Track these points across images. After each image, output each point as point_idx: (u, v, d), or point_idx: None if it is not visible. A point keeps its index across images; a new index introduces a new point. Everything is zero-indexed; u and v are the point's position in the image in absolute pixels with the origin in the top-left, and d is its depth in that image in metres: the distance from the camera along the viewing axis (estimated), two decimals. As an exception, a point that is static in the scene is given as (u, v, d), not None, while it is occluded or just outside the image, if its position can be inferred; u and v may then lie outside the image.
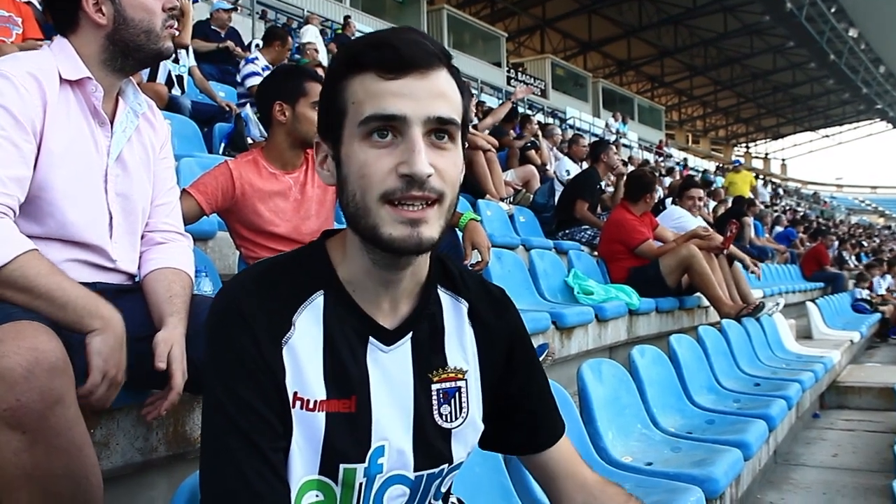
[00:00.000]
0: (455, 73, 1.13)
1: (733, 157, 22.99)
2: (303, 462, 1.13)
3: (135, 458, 1.97)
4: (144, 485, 2.11)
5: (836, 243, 17.33)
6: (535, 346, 3.46)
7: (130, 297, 1.93)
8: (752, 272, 7.01)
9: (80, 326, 1.63)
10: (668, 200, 8.53)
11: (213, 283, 2.91)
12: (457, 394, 1.26)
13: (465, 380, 1.27)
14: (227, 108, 6.45)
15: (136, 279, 2.03)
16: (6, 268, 1.58)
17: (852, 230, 32.60)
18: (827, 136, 65.22)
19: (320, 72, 6.39)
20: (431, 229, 1.08)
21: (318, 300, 1.17)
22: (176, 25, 1.99)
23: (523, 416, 1.35)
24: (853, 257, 18.32)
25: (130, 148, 1.97)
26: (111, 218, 1.91)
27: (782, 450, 4.71)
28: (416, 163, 1.04)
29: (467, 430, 1.28)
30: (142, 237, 2.04)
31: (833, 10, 36.98)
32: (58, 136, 1.77)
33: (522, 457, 1.40)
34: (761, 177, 36.98)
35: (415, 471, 1.22)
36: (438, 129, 1.08)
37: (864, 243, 26.29)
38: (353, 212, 1.09)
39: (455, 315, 1.28)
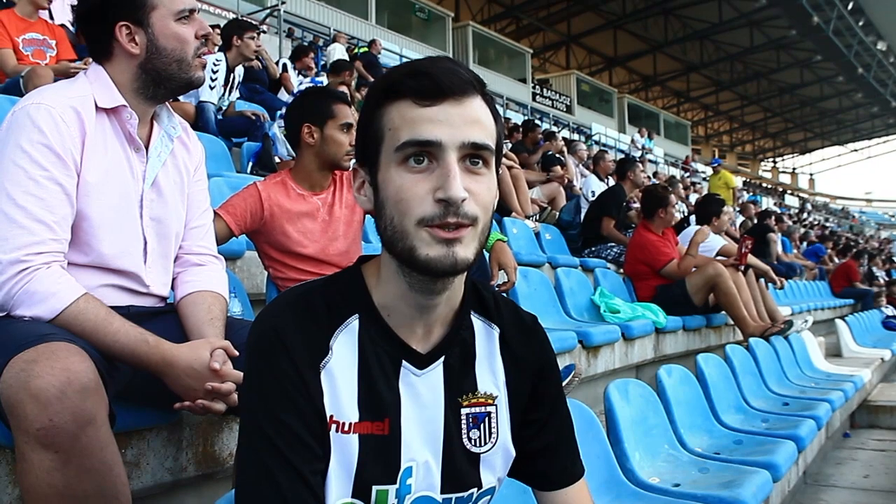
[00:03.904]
0: (489, 100, 1.16)
1: (711, 162, 21.92)
2: (337, 484, 1.15)
3: (164, 477, 2.00)
4: (174, 504, 2.13)
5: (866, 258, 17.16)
6: (563, 366, 3.46)
7: (163, 318, 1.96)
8: (778, 287, 6.88)
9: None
10: (693, 218, 8.46)
11: (242, 303, 2.94)
12: (486, 419, 1.27)
13: (496, 405, 1.28)
14: (255, 117, 6.49)
15: (168, 301, 2.06)
16: (57, 319, 1.66)
17: (882, 245, 32.17)
18: (855, 150, 64.44)
19: (344, 89, 6.48)
20: (466, 250, 1.10)
21: (353, 324, 1.18)
22: (215, 55, 2.03)
23: (541, 448, 1.35)
24: (883, 273, 18.08)
25: (165, 172, 2.00)
26: (146, 243, 1.94)
27: (812, 470, 4.65)
28: (452, 187, 1.06)
29: (496, 456, 1.28)
30: (176, 259, 2.07)
31: (861, 23, 36.70)
32: (95, 166, 1.81)
33: (536, 492, 1.39)
34: (747, 179, 36.42)
35: (442, 493, 1.23)
36: (473, 154, 1.10)
37: (895, 259, 25.93)
38: (391, 235, 1.11)
39: (487, 341, 1.29)
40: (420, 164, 1.08)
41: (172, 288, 2.07)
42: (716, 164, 19.33)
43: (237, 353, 1.79)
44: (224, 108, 6.49)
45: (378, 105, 1.13)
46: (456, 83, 1.09)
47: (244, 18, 9.53)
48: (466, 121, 1.09)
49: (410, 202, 1.08)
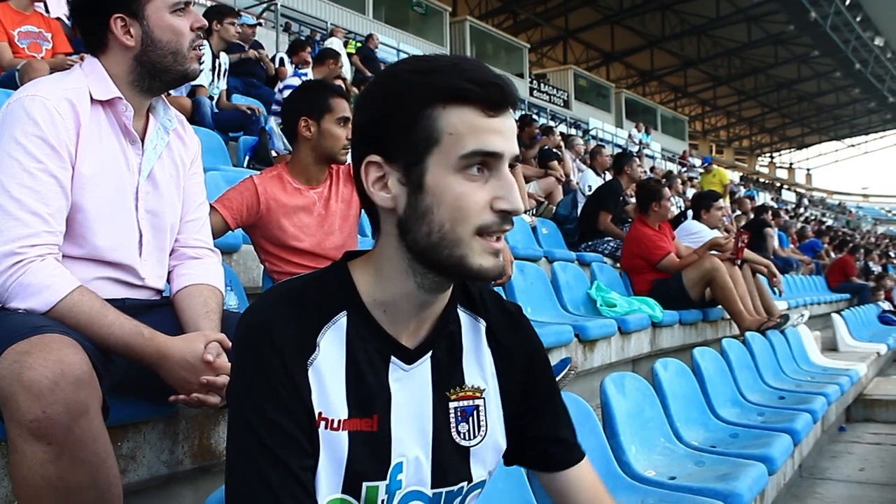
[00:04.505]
0: None
1: (703, 162, 21.05)
2: (327, 481, 1.15)
3: (160, 470, 1.99)
4: (170, 497, 2.13)
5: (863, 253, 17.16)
6: (559, 359, 3.46)
7: (159, 311, 1.96)
8: (774, 285, 6.88)
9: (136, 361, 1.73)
10: (690, 213, 8.46)
11: (239, 297, 2.94)
12: (475, 412, 1.27)
13: (484, 398, 1.28)
14: (250, 111, 6.49)
15: (164, 294, 2.06)
16: (51, 311, 1.66)
17: (879, 240, 32.20)
18: (853, 145, 64.57)
19: (339, 83, 6.48)
20: (503, 257, 1.14)
21: (341, 321, 1.18)
22: (203, 46, 2.02)
23: (542, 432, 1.36)
24: (880, 268, 18.09)
25: (161, 164, 1.99)
26: (141, 236, 1.94)
27: (807, 464, 4.66)
28: (516, 200, 1.09)
29: (486, 450, 1.29)
30: (172, 252, 2.07)
31: (858, 18, 36.71)
32: (90, 158, 1.81)
33: (541, 476, 1.41)
34: (744, 174, 36.20)
35: (432, 487, 1.23)
36: (511, 164, 1.12)
37: (892, 254, 25.96)
38: (437, 241, 1.10)
39: (473, 334, 1.30)
40: (478, 173, 1.09)
41: (168, 281, 2.07)
42: (707, 164, 18.87)
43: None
44: (216, 97, 6.48)
45: (431, 105, 1.09)
46: (514, 95, 1.11)
47: (223, 4, 9.48)
48: (513, 132, 1.13)
49: (469, 210, 1.08)
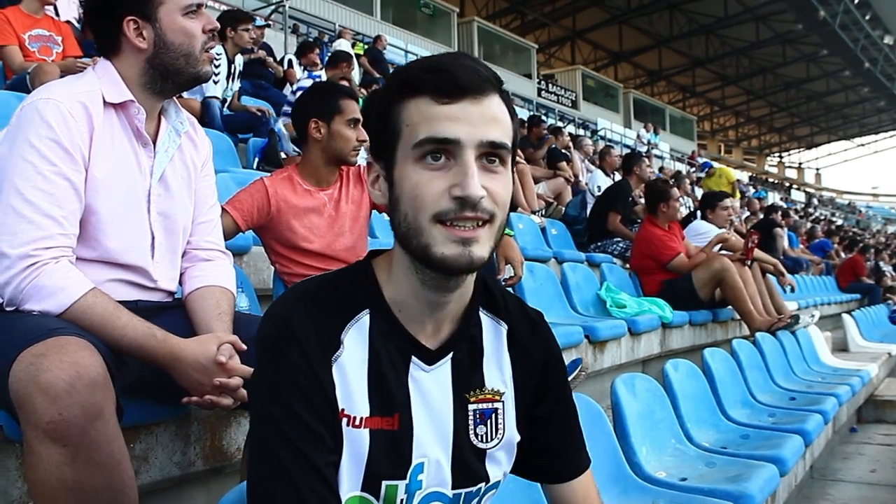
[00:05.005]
0: (506, 98, 1.16)
1: (703, 166, 20.33)
2: (347, 478, 1.15)
3: (173, 472, 2.00)
4: (182, 499, 2.14)
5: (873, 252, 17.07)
6: (569, 360, 3.46)
7: (171, 313, 1.97)
8: (783, 283, 6.87)
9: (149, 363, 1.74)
10: (700, 213, 8.45)
11: (249, 298, 2.94)
12: (493, 415, 1.27)
13: (503, 402, 1.28)
14: (260, 113, 6.51)
15: (176, 296, 2.06)
16: (66, 313, 1.66)
17: (889, 240, 32.03)
18: (862, 144, 64.35)
19: (346, 83, 6.50)
20: (482, 249, 1.10)
21: (364, 318, 1.18)
22: (215, 49, 2.02)
23: (548, 443, 1.35)
24: (891, 268, 17.99)
25: (173, 167, 2.00)
26: (153, 238, 1.94)
27: (819, 465, 4.64)
28: (470, 186, 1.06)
29: (501, 452, 1.29)
30: (184, 254, 2.08)
31: (867, 17, 36.57)
32: (102, 161, 1.82)
33: (544, 486, 1.40)
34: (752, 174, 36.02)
35: (452, 489, 1.23)
36: (490, 152, 1.10)
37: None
38: (405, 231, 1.11)
39: (495, 337, 1.30)
40: (437, 161, 1.09)
41: (180, 283, 2.08)
42: (707, 168, 18.42)
43: (245, 347, 1.80)
44: (228, 99, 6.50)
45: (396, 100, 1.12)
46: (475, 81, 1.09)
47: (238, 9, 9.48)
48: (485, 119, 1.09)
49: (426, 198, 1.08)
